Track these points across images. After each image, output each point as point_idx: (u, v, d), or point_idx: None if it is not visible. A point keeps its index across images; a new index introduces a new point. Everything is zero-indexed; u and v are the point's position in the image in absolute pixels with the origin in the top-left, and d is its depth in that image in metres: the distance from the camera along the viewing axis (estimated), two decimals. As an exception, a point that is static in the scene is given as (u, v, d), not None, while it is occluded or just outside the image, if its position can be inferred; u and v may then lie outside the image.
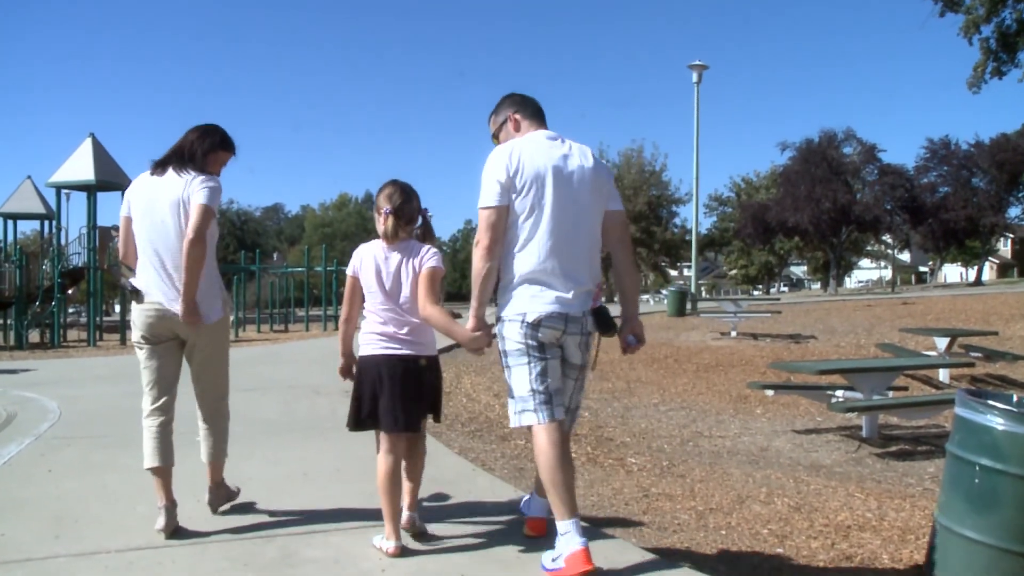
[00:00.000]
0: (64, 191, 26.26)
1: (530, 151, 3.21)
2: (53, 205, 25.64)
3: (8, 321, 22.03)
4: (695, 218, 29.12)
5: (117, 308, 34.31)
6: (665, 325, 18.91)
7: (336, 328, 21.75)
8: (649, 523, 4.32)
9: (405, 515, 3.47)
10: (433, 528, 3.65)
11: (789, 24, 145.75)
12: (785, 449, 7.08)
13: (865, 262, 71.34)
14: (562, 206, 3.18)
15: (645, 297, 54.36)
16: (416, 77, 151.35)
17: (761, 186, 58.27)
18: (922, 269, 74.64)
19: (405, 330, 3.36)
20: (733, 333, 16.54)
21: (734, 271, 68.95)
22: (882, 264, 70.85)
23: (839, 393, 7.97)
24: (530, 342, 3.13)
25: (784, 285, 76.96)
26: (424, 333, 3.40)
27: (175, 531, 3.57)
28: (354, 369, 3.51)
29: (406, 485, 3.50)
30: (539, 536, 3.46)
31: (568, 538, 2.96)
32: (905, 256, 69.94)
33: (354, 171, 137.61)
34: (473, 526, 3.72)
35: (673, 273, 58.26)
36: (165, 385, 3.73)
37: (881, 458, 6.69)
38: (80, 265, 22.72)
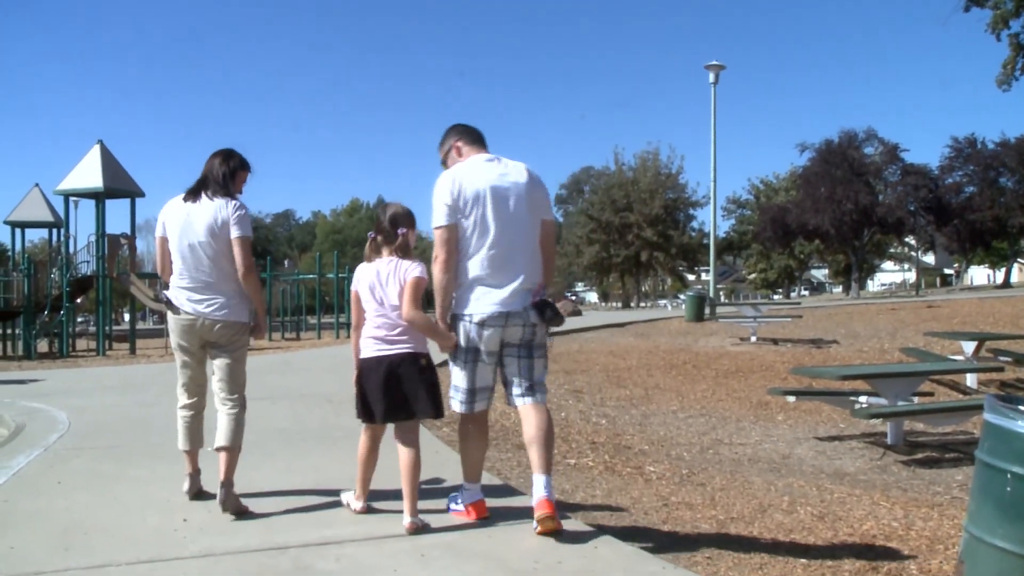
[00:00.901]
0: (72, 199, 26.42)
1: (470, 174, 3.82)
2: (61, 213, 25.80)
3: (16, 331, 22.21)
4: (713, 221, 29.10)
5: (127, 317, 34.53)
6: (683, 330, 18.86)
7: (348, 336, 21.85)
8: (669, 533, 4.30)
9: (407, 520, 3.76)
10: (448, 537, 3.65)
11: (807, 22, 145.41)
12: (807, 456, 7.03)
13: (888, 265, 70.95)
14: (500, 219, 3.77)
15: (663, 302, 54.30)
16: (427, 79, 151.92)
17: (780, 188, 58.11)
18: (947, 271, 74.21)
19: (396, 331, 3.91)
20: (753, 338, 16.46)
21: (753, 275, 68.76)
22: (906, 267, 70.40)
23: (863, 399, 7.91)
24: (470, 345, 3.80)
25: (805, 289, 76.65)
26: (413, 333, 3.93)
27: (198, 493, 4.32)
28: None
29: (405, 485, 3.83)
30: (482, 518, 3.94)
31: (472, 494, 3.94)
32: (929, 258, 69.47)
33: (365, 176, 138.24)
34: (487, 535, 3.71)
35: (691, 277, 58.16)
36: (196, 385, 4.42)
37: (907, 466, 6.63)
38: (89, 273, 22.88)
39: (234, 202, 4.27)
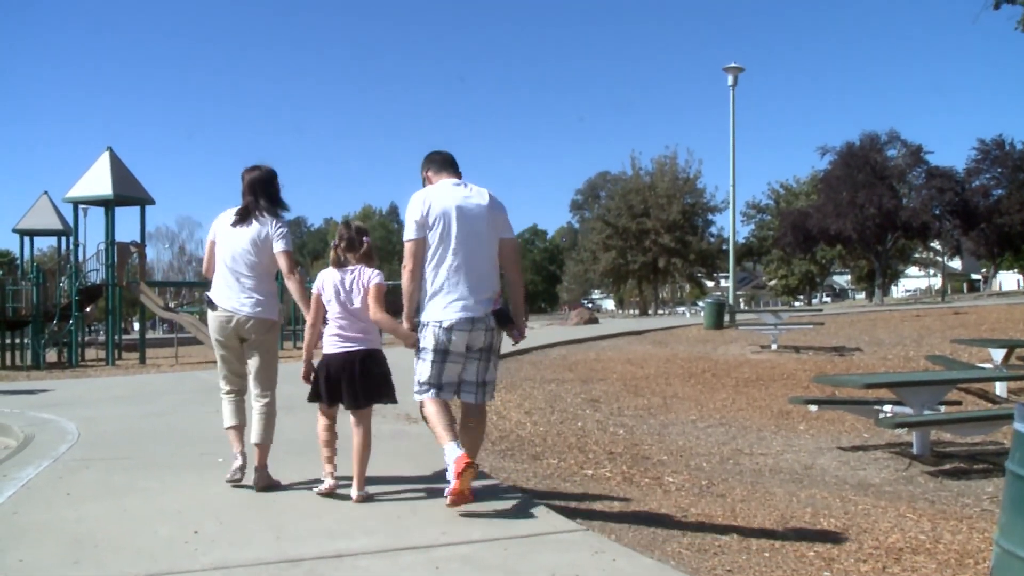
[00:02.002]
0: (81, 206, 26.64)
1: (438, 196, 4.46)
2: (70, 221, 26.04)
3: (25, 340, 22.36)
4: (732, 227, 28.96)
5: (136, 326, 34.72)
6: (702, 338, 18.80)
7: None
8: (688, 545, 4.28)
9: (355, 493, 4.49)
10: (462, 549, 3.66)
11: (828, 22, 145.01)
12: (831, 467, 6.99)
13: (913, 270, 70.41)
14: (463, 236, 4.38)
15: (681, 309, 54.18)
16: (439, 84, 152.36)
17: (801, 192, 57.89)
18: (975, 277, 73.54)
19: (358, 331, 4.59)
20: (773, 346, 16.40)
21: (773, 281, 68.50)
22: (931, 272, 69.88)
23: (887, 408, 7.86)
24: (439, 347, 4.34)
25: (827, 295, 76.25)
26: (370, 333, 4.63)
27: (241, 480, 4.87)
28: (312, 375, 4.75)
29: (356, 463, 4.56)
30: (467, 465, 4.18)
31: (451, 450, 4.18)
32: (956, 263, 68.95)
33: (377, 183, 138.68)
34: (503, 548, 3.70)
35: (710, 284, 57.95)
36: (235, 372, 5.09)
37: (934, 477, 6.58)
38: (98, 282, 23.04)
39: (277, 221, 5.04)
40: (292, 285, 5.03)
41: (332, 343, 4.62)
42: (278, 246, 4.99)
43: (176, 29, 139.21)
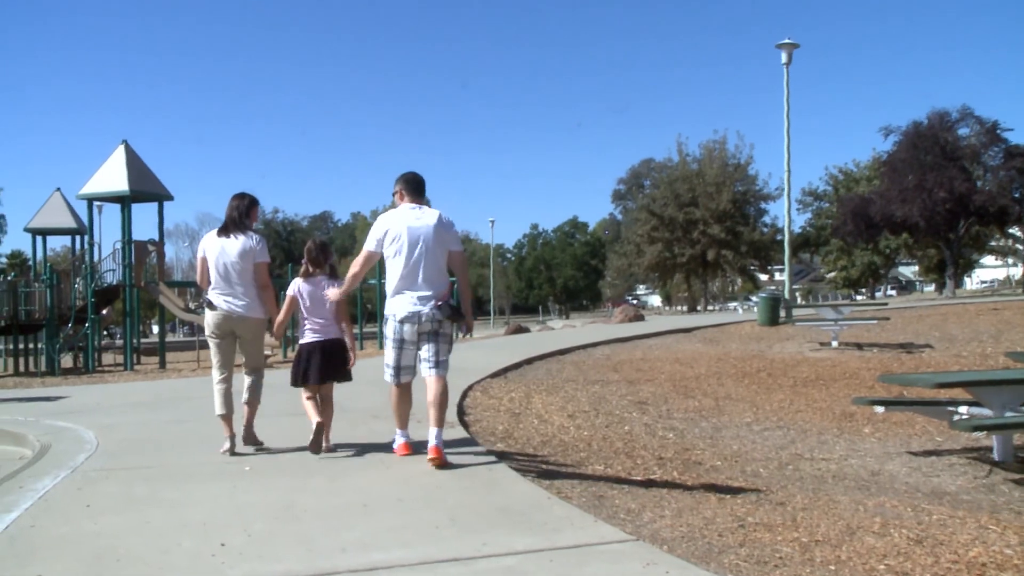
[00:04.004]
0: (96, 203, 26.98)
1: (397, 218, 5.98)
2: (85, 219, 26.38)
3: (39, 345, 22.74)
4: (787, 215, 28.63)
5: (155, 329, 35.18)
6: (756, 335, 18.64)
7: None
8: (747, 557, 4.24)
9: (324, 445, 6.15)
10: (506, 561, 3.66)
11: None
12: (900, 473, 6.90)
13: (989, 259, 69.22)
14: (413, 251, 5.86)
15: (733, 305, 53.73)
16: (474, 73, 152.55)
17: (861, 177, 57.18)
18: (1059, 266, 72.20)
19: (326, 325, 6.38)
20: (834, 343, 16.22)
21: (833, 273, 67.78)
22: (1010, 261, 68.66)
23: (963, 409, 7.72)
24: (395, 335, 5.91)
25: (891, 288, 75.27)
26: (331, 327, 6.39)
27: (233, 452, 6.31)
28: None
29: (325, 421, 6.18)
30: (408, 454, 6.07)
31: (398, 438, 6.21)
32: (1037, 252, 67.64)
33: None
34: (548, 559, 3.70)
35: (763, 278, 57.43)
36: (227, 363, 6.58)
37: (1019, 485, 6.46)
38: (115, 283, 23.35)
39: (257, 236, 6.61)
40: (265, 294, 6.60)
41: (305, 335, 6.38)
42: (259, 257, 6.56)
43: (194, 18, 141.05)
